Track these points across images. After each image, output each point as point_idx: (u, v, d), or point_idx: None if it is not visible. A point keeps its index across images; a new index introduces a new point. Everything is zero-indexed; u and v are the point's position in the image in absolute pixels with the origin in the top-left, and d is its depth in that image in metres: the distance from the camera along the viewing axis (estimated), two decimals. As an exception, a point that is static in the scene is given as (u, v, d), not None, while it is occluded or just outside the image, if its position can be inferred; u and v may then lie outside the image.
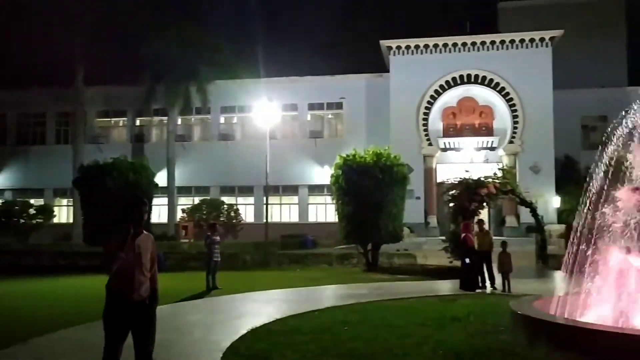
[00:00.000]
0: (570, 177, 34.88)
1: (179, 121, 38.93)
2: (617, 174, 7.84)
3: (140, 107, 37.43)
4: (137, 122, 41.00)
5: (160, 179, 30.79)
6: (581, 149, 36.97)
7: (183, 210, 37.04)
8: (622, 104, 30.59)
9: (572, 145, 35.94)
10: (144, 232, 5.07)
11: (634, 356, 5.70)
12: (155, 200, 29.32)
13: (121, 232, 4.88)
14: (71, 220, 36.57)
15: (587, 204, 7.87)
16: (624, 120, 7.74)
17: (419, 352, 6.70)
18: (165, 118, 37.65)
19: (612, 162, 7.94)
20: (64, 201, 40.22)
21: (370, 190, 18.42)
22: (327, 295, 13.41)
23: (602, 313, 7.43)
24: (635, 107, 7.76)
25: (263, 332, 8.44)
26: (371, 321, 8.99)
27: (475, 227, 15.07)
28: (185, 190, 38.99)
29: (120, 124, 41.61)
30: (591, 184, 7.79)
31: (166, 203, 35.94)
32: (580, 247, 7.93)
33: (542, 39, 34.35)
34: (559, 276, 17.35)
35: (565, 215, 33.29)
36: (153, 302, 5.11)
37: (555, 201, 32.59)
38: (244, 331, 8.58)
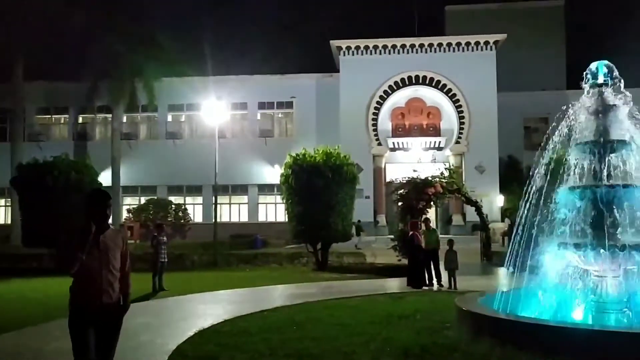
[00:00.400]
0: (513, 177, 36.09)
1: (124, 119, 37.96)
2: (556, 173, 8.13)
3: (83, 104, 36.24)
4: (80, 120, 39.75)
5: (105, 178, 29.95)
6: (523, 149, 38.27)
7: (128, 211, 36.14)
8: (562, 105, 31.76)
9: (515, 145, 37.17)
10: (112, 227, 4.68)
11: (572, 349, 5.91)
12: (99, 200, 28.44)
13: (79, 229, 4.43)
14: (9, 222, 35.02)
15: (528, 203, 8.12)
16: (563, 122, 8.02)
17: (366, 350, 6.75)
18: (109, 115, 36.62)
19: (552, 162, 8.22)
20: (1, 201, 38.51)
21: (320, 189, 18.44)
22: (277, 295, 13.35)
23: (542, 308, 7.70)
24: (573, 110, 8.06)
25: (210, 334, 8.32)
26: (320, 320, 9.00)
27: (422, 226, 15.34)
28: (131, 190, 38.06)
29: (62, 121, 40.22)
30: (532, 182, 8.05)
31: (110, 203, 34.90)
32: (521, 244, 8.20)
33: (487, 43, 35.36)
34: (502, 272, 17.90)
35: (508, 214, 34.43)
36: (123, 308, 4.70)
37: (499, 200, 33.60)
38: (191, 333, 8.43)
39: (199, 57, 34.56)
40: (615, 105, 7.62)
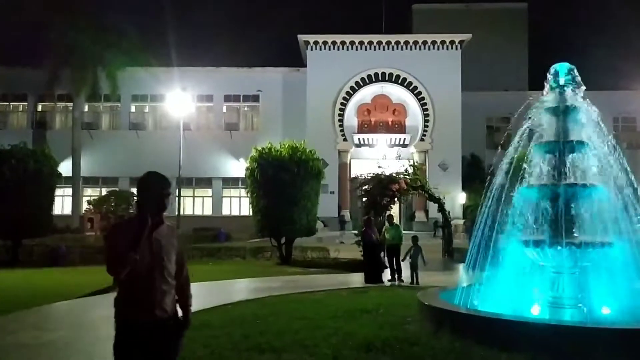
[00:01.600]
0: (475, 175, 36.77)
1: (86, 108, 37.07)
2: (517, 172, 8.31)
3: (43, 92, 35.22)
4: (39, 108, 38.62)
5: (65, 168, 29.22)
6: (486, 148, 39.02)
7: (89, 202, 35.23)
8: (524, 106, 32.25)
9: (478, 144, 37.83)
10: (165, 222, 3.68)
11: (529, 343, 6.07)
12: (58, 191, 27.75)
13: (131, 222, 3.56)
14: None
15: (489, 200, 8.28)
16: (524, 122, 8.20)
17: (328, 343, 6.78)
18: (70, 104, 35.68)
19: (513, 161, 8.40)
20: (-46, 190, 37.10)
21: (285, 184, 18.41)
22: (240, 288, 13.27)
23: (501, 302, 7.87)
24: (534, 110, 8.24)
25: (172, 328, 8.20)
26: (283, 314, 8.99)
27: (386, 222, 15.48)
28: (92, 181, 37.25)
29: (20, 108, 39.01)
30: (493, 180, 8.20)
31: (70, 194, 34.13)
32: (482, 241, 8.36)
33: (452, 42, 35.84)
34: (463, 268, 18.24)
35: (470, 211, 35.05)
36: (182, 325, 3.78)
37: (461, 197, 34.17)
38: (151, 327, 8.30)
39: (164, 47, 34.13)
40: (575, 106, 7.82)
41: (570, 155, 7.79)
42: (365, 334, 7.14)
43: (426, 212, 34.23)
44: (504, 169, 8.23)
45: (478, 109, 37.07)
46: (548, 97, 8.09)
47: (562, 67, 8.01)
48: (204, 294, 12.23)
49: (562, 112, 7.84)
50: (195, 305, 10.27)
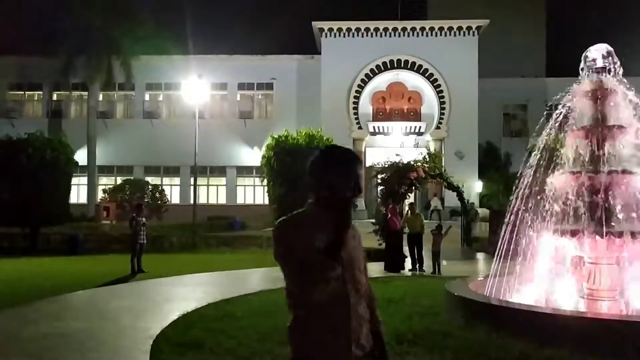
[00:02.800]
0: (491, 163, 36.35)
1: (100, 97, 36.97)
2: (550, 159, 8.01)
3: (58, 81, 35.17)
4: (54, 97, 38.62)
5: (80, 157, 29.21)
6: (502, 136, 38.54)
7: (104, 191, 35.36)
8: (541, 93, 31.97)
9: (494, 132, 37.29)
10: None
11: (568, 337, 5.82)
12: (74, 180, 27.81)
13: (313, 217, 2.51)
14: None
15: (521, 189, 8.00)
16: (559, 107, 7.88)
17: (359, 336, 6.57)
18: (85, 93, 35.65)
19: (546, 147, 8.10)
20: (-29, 179, 37.34)
21: (302, 172, 18.17)
22: (259, 278, 13.13)
23: (534, 295, 7.62)
24: (570, 94, 7.92)
25: (195, 318, 8.07)
26: (307, 305, 8.80)
27: (408, 211, 15.26)
28: (107, 170, 37.27)
29: (35, 97, 39.02)
30: (526, 167, 7.91)
31: (86, 183, 34.21)
32: (513, 230, 8.10)
33: (469, 28, 35.24)
34: (483, 258, 17.98)
35: (486, 200, 34.68)
36: None
37: (478, 186, 33.76)
38: (174, 317, 8.18)
39: (178, 35, 33.74)
40: (614, 90, 7.49)
41: (609, 142, 7.48)
42: (395, 324, 6.92)
43: (442, 200, 33.84)
44: (537, 156, 7.90)
45: (494, 96, 36.45)
46: (584, 80, 7.74)
47: (600, 49, 7.67)
48: (224, 283, 12.16)
49: (601, 96, 7.51)
50: (216, 295, 10.24)
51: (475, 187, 33.97)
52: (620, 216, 7.34)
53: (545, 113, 8.15)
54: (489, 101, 35.53)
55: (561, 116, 7.90)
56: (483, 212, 30.33)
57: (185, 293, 10.67)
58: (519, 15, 42.00)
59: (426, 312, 7.66)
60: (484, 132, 35.43)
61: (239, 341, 6.63)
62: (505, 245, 8.01)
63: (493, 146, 37.45)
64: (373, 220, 21.02)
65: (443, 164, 29.66)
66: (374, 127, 35.14)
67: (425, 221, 15.65)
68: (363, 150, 35.27)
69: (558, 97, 7.92)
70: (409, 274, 13.58)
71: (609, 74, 7.62)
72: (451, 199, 29.86)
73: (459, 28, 35.24)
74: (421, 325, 6.84)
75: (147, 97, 38.45)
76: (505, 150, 38.29)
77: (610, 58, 7.63)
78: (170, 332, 7.24)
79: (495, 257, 7.97)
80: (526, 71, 39.28)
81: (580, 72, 7.82)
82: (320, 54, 35.73)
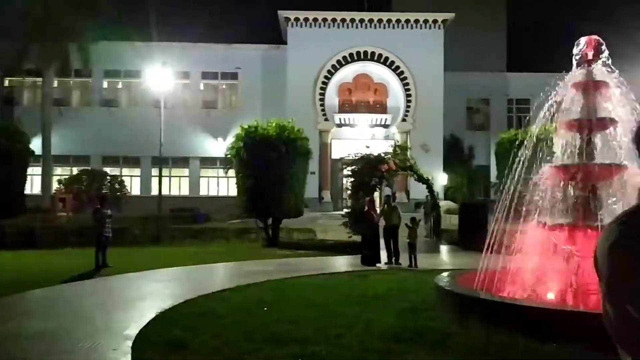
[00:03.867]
0: (455, 156, 36.74)
1: (56, 83, 35.49)
2: (536, 153, 7.91)
3: (11, 66, 33.49)
4: (6, 83, 36.86)
5: (34, 146, 27.98)
6: (465, 129, 38.98)
7: (59, 182, 34.00)
8: (503, 88, 32.34)
9: (458, 125, 37.67)
10: None
11: (570, 332, 5.70)
12: (28, 170, 26.65)
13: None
14: None
15: (510, 182, 7.87)
16: (549, 99, 7.78)
17: (352, 333, 6.32)
18: (39, 79, 34.07)
19: (534, 141, 7.99)
20: None
21: (272, 163, 17.81)
22: (233, 272, 12.71)
23: (524, 288, 7.52)
24: (558, 88, 7.82)
25: (174, 316, 7.65)
26: (290, 300, 8.51)
27: (384, 204, 15.11)
28: (63, 160, 35.86)
29: (-14, 83, 37.20)
30: (516, 161, 7.78)
31: (40, 173, 32.79)
32: (499, 223, 7.98)
33: (435, 21, 35.35)
34: (454, 250, 18.03)
35: (451, 192, 35.04)
36: None
37: (443, 179, 34.03)
38: (151, 315, 7.72)
39: (138, 21, 32.60)
40: (605, 82, 7.43)
41: (599, 134, 7.43)
42: (389, 322, 6.71)
43: (407, 192, 33.97)
44: (528, 148, 7.78)
45: (458, 89, 36.72)
46: (575, 72, 7.65)
47: (590, 41, 7.58)
48: (197, 278, 11.72)
49: (591, 87, 7.44)
50: (191, 290, 9.79)
51: (440, 180, 34.22)
52: (610, 209, 7.31)
53: (536, 105, 8.00)
54: (453, 95, 35.80)
55: (551, 108, 7.81)
56: (448, 204, 30.64)
57: (159, 289, 10.19)
58: (481, 10, 42.34)
59: (417, 308, 7.46)
60: (448, 125, 35.72)
61: (224, 341, 6.27)
62: (493, 238, 7.89)
63: (457, 139, 37.86)
64: (342, 213, 20.86)
65: (410, 156, 29.83)
66: (340, 118, 34.93)
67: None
68: (329, 142, 35.06)
69: (548, 89, 7.81)
70: (386, 267, 13.40)
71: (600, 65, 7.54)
72: (417, 191, 30.06)
73: (425, 21, 35.33)
74: (417, 322, 6.64)
75: (105, 85, 37.18)
76: (469, 143, 38.82)
77: (600, 50, 7.56)
78: (149, 331, 6.81)
79: (484, 251, 7.81)
80: (489, 66, 39.75)
81: (572, 61, 7.70)
82: (286, 43, 35.22)
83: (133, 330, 6.88)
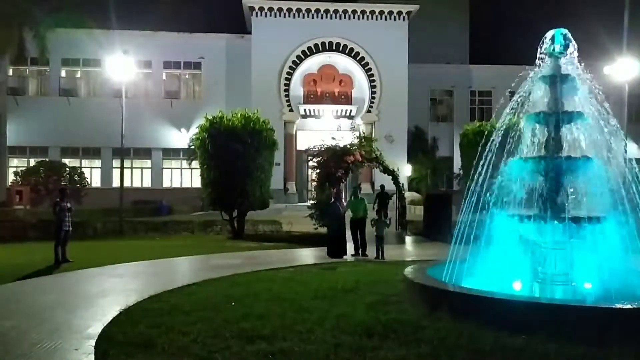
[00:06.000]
0: (419, 147, 37.07)
1: (10, 72, 34.23)
2: (507, 144, 7.95)
3: (-38, 53, 32.08)
4: (-43, 71, 35.32)
5: (-12, 136, 26.95)
6: (429, 120, 39.36)
7: (16, 173, 32.89)
8: (466, 80, 32.77)
9: (421, 117, 38.00)
10: None
11: (539, 324, 5.75)
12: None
13: None
14: None
15: (478, 173, 7.89)
16: (517, 92, 7.82)
17: (323, 329, 6.23)
18: (-7, 67, 32.74)
19: (501, 133, 8.02)
20: None
21: (238, 154, 17.56)
22: (199, 266, 12.46)
23: (491, 280, 7.57)
24: (525, 81, 7.86)
25: (139, 313, 7.41)
26: (258, 295, 8.37)
27: (351, 195, 15.06)
28: (19, 151, 34.76)
29: None
30: (484, 153, 7.81)
31: (-6, 164, 31.69)
32: (467, 214, 8.01)
33: (399, 13, 35.43)
34: (420, 241, 18.18)
35: (415, 183, 35.36)
36: None
37: (407, 170, 34.28)
38: (114, 312, 7.49)
39: (99, 7, 31.55)
40: (571, 75, 7.50)
41: (565, 127, 7.50)
42: (359, 316, 6.66)
43: (372, 184, 34.12)
44: (496, 140, 7.80)
45: (422, 81, 37.03)
46: (543, 65, 7.71)
47: (557, 34, 7.64)
48: (162, 273, 11.44)
49: (558, 81, 7.51)
50: (156, 286, 9.54)
51: (404, 171, 34.47)
52: (574, 201, 7.42)
53: (502, 99, 8.03)
54: (417, 86, 36.05)
55: (518, 101, 7.85)
56: (413, 195, 30.92)
57: (122, 285, 9.89)
58: (444, 3, 42.66)
59: (387, 301, 7.43)
60: (412, 116, 35.96)
61: (193, 338, 6.11)
62: (461, 230, 7.91)
63: (421, 130, 38.19)
64: (308, 204, 20.76)
65: (376, 147, 29.89)
66: (305, 109, 34.78)
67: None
68: (294, 132, 34.89)
69: (514, 82, 7.85)
70: (352, 259, 13.38)
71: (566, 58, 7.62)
72: (382, 182, 30.09)
73: (390, 12, 35.39)
74: (387, 315, 6.60)
75: (63, 74, 36.02)
76: (432, 134, 39.23)
77: (567, 42, 7.62)
78: (113, 330, 6.58)
79: (452, 242, 7.83)
80: (451, 58, 40.19)
81: (539, 55, 7.75)
82: (250, 33, 34.77)
83: (96, 329, 6.66)
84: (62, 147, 35.07)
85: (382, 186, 20.17)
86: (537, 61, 7.87)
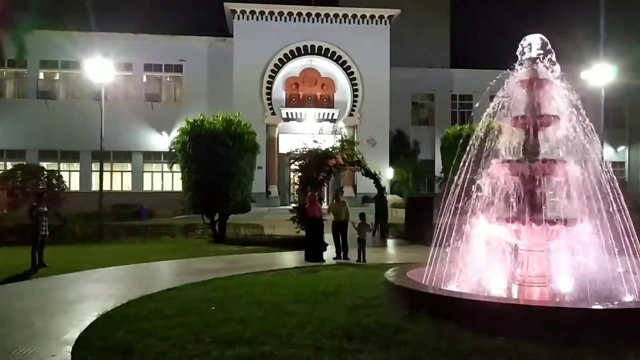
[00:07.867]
0: (400, 151, 37.26)
1: (-13, 74, 33.75)
2: (482, 148, 8.03)
3: (-63, 55, 31.51)
4: None
5: (-36, 139, 26.48)
6: (410, 124, 39.60)
7: (-8, 177, 32.30)
8: (447, 84, 33.06)
9: (403, 120, 38.25)
10: None
11: (517, 326, 5.81)
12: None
13: None
14: None
15: (458, 176, 7.96)
16: (495, 97, 7.90)
17: (304, 332, 6.23)
18: (-31, 69, 32.25)
19: (480, 136, 8.10)
20: None
21: (219, 158, 17.47)
22: (180, 270, 12.36)
23: (470, 282, 7.64)
24: (504, 85, 7.96)
25: (117, 318, 7.33)
26: (239, 299, 8.33)
27: (333, 198, 15.06)
28: (-5, 154, 34.19)
29: None
30: (465, 156, 7.87)
31: (-30, 168, 31.12)
32: (446, 217, 8.07)
33: (381, 17, 35.62)
34: (401, 244, 18.26)
35: (397, 186, 35.52)
36: None
37: (389, 173, 34.44)
38: (92, 318, 7.39)
39: (78, 9, 31.24)
40: (547, 79, 7.61)
41: (543, 130, 7.60)
42: (341, 319, 6.66)
43: (354, 187, 34.22)
44: (474, 143, 7.88)
45: (403, 85, 37.26)
46: (520, 69, 7.81)
47: (534, 39, 7.76)
48: (142, 278, 11.34)
49: (535, 85, 7.61)
50: (136, 291, 9.44)
51: (386, 174, 34.61)
52: (553, 204, 7.51)
53: (479, 102, 8.11)
54: (399, 90, 36.27)
55: (498, 105, 7.94)
56: (395, 198, 31.06)
57: (101, 290, 9.77)
58: (426, 7, 43.01)
59: (368, 304, 7.45)
60: (394, 120, 36.17)
61: (172, 343, 6.07)
62: (441, 233, 7.96)
63: (402, 134, 38.41)
64: (290, 207, 20.74)
65: (358, 150, 29.97)
66: (287, 113, 34.77)
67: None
68: (276, 136, 34.85)
69: (491, 85, 7.93)
70: (334, 262, 13.37)
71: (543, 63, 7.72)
72: (364, 186, 30.28)
73: (372, 16, 35.57)
74: (368, 319, 6.61)
75: (41, 76, 35.57)
76: (414, 138, 39.45)
77: (544, 48, 7.74)
78: (91, 335, 6.50)
79: (432, 245, 7.88)
80: (433, 62, 40.49)
81: (519, 59, 7.84)
82: (232, 36, 34.68)
83: (73, 335, 6.57)
84: (40, 150, 34.60)
85: (381, 189, 20.39)
86: (516, 65, 7.98)
